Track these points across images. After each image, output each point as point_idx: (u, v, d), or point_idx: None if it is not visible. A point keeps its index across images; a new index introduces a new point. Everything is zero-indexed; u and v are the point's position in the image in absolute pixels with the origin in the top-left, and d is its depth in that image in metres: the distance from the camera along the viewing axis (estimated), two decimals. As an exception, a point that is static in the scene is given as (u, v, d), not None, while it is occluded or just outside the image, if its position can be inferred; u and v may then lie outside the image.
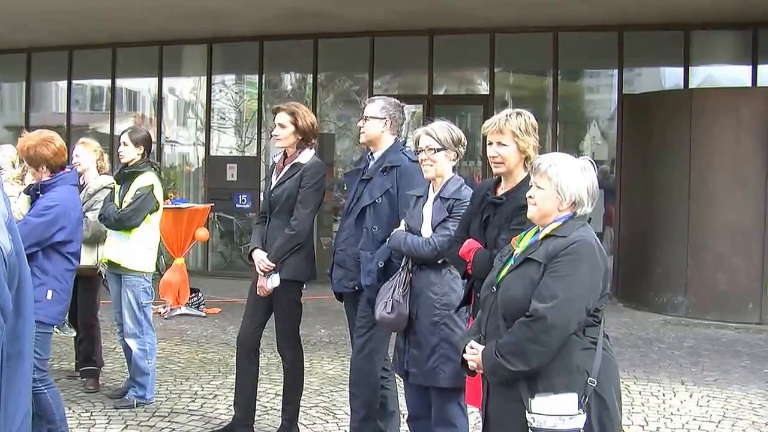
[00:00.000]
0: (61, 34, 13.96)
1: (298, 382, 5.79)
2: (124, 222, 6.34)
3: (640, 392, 7.13)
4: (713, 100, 10.93)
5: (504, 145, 4.10)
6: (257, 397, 5.93)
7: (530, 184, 3.49)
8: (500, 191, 4.21)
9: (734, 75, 12.51)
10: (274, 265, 5.51)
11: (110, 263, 6.46)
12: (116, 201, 6.42)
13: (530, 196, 3.45)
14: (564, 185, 3.38)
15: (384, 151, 5.21)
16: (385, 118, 5.21)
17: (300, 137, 5.58)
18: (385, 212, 5.08)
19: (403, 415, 5.59)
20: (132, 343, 6.45)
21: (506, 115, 4.13)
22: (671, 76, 12.99)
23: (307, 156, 5.60)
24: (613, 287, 11.99)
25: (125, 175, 6.52)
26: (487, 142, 4.17)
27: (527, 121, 4.13)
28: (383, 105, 5.25)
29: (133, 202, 6.37)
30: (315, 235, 13.18)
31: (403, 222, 4.78)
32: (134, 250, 6.41)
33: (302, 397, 5.93)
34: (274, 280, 5.53)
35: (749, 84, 11.96)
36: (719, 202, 10.67)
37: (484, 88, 13.49)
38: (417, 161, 4.76)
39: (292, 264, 5.54)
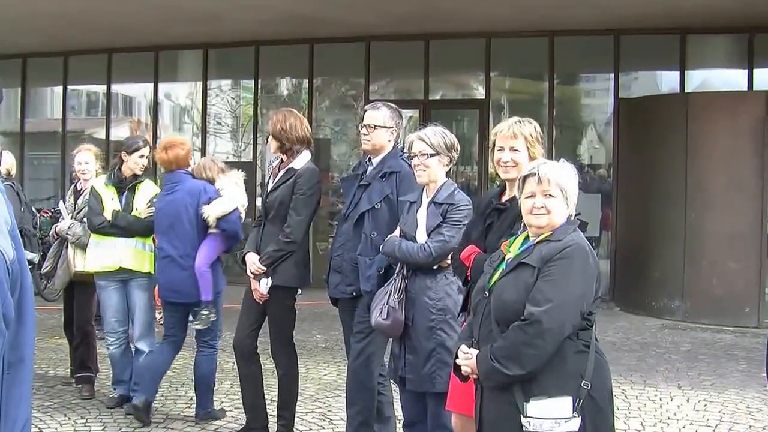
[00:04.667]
0: (57, 40, 13.95)
1: (293, 388, 5.77)
2: (151, 229, 6.38)
3: (636, 396, 7.12)
4: (709, 104, 10.94)
5: (517, 150, 4.11)
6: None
7: (532, 193, 3.41)
8: (504, 198, 4.21)
9: (730, 79, 12.52)
10: (264, 268, 5.50)
11: (121, 270, 6.41)
12: (114, 209, 6.39)
13: (542, 206, 3.37)
14: (570, 194, 3.40)
15: (383, 156, 5.18)
16: (392, 127, 5.19)
17: (278, 143, 5.58)
18: (384, 218, 5.05)
19: (399, 420, 5.58)
20: (144, 345, 6.43)
21: (518, 121, 4.16)
22: (668, 80, 13.01)
23: (301, 161, 5.57)
24: (610, 291, 11.99)
25: (130, 184, 6.51)
26: (497, 147, 4.17)
27: (537, 129, 4.20)
28: (390, 114, 5.20)
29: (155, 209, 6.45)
30: (311, 240, 13.17)
31: (398, 228, 4.77)
32: (149, 254, 6.49)
33: (298, 403, 5.92)
34: (265, 285, 5.52)
35: (745, 88, 11.98)
36: (716, 206, 10.67)
37: (480, 92, 13.49)
38: None
39: (283, 270, 5.51)
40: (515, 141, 4.11)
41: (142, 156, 6.50)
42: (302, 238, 5.53)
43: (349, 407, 5.28)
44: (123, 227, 6.34)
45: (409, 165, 4.96)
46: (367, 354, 5.15)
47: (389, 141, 5.19)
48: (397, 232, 4.73)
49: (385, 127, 5.16)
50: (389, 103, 5.36)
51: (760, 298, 10.46)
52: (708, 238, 10.69)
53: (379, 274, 4.93)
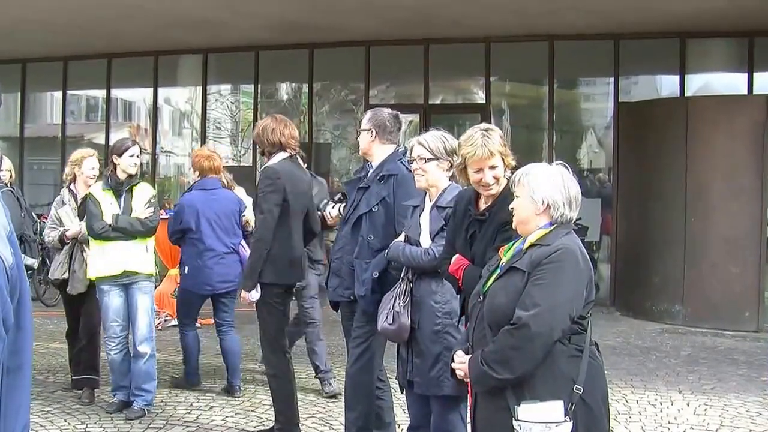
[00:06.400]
0: (56, 45, 13.96)
1: (287, 389, 5.74)
2: (155, 229, 6.57)
3: (637, 401, 7.11)
4: (709, 108, 10.93)
5: (495, 167, 4.08)
6: (252, 409, 5.89)
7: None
8: (481, 204, 4.20)
9: (730, 83, 12.53)
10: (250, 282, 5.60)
11: (125, 274, 6.41)
12: (113, 212, 6.39)
13: (512, 207, 3.48)
14: (535, 190, 3.38)
15: (382, 160, 5.20)
16: (370, 129, 5.22)
17: (261, 147, 5.77)
18: (381, 221, 5.06)
19: (399, 425, 5.58)
20: (146, 348, 6.45)
21: (484, 136, 4.06)
22: (667, 84, 13.02)
23: (272, 162, 5.69)
24: (611, 296, 11.99)
25: (127, 186, 6.53)
26: (473, 169, 4.07)
27: (500, 134, 4.13)
28: (369, 116, 5.29)
29: (153, 210, 6.57)
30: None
31: (403, 233, 4.76)
32: (150, 255, 6.59)
33: (298, 407, 5.89)
34: (253, 293, 5.57)
35: (745, 92, 11.99)
36: (715, 210, 10.66)
37: (480, 96, 13.49)
38: None
39: (263, 268, 5.56)
40: (492, 158, 4.05)
41: (132, 155, 6.54)
42: (269, 235, 5.53)
43: (348, 412, 5.28)
44: (124, 229, 6.36)
45: (408, 169, 4.98)
46: (365, 358, 5.15)
47: (372, 142, 5.23)
48: (401, 237, 4.72)
49: (364, 129, 5.26)
50: (379, 108, 5.42)
51: (759, 303, 10.45)
52: (708, 242, 10.68)
53: (374, 278, 4.93)
